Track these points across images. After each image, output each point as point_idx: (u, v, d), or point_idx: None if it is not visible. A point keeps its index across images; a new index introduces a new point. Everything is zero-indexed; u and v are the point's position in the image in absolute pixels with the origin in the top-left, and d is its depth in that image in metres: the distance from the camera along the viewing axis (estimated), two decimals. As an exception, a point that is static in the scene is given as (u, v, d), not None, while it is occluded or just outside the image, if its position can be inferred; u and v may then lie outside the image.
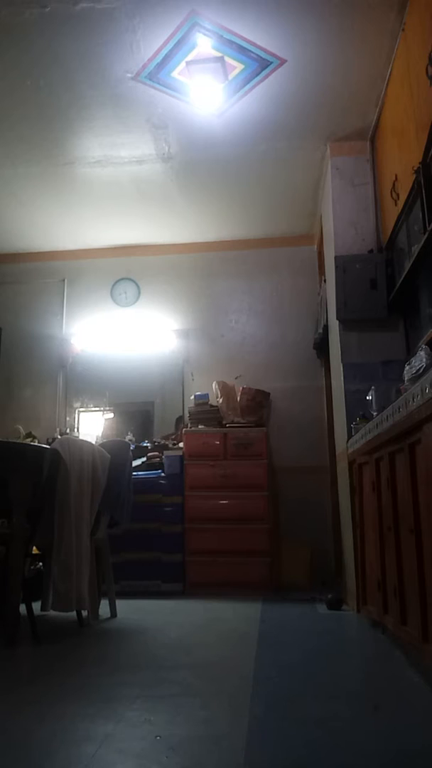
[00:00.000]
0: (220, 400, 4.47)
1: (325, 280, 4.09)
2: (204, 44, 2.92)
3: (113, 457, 3.09)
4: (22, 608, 2.52)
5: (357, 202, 3.62)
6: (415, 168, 2.58)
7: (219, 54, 2.98)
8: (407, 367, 2.23)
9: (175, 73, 3.11)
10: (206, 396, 4.49)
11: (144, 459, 4.29)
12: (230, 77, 3.13)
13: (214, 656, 2.31)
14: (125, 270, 5.11)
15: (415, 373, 2.11)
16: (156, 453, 4.33)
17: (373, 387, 2.95)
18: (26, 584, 2.64)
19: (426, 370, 2.01)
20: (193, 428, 4.31)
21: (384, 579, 2.38)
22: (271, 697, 1.74)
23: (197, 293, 5.03)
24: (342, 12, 2.75)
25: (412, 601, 1.95)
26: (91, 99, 3.32)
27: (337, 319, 3.48)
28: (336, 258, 3.50)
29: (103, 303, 5.10)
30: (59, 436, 4.29)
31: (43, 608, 3.14)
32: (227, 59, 3.01)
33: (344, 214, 3.62)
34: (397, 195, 3.02)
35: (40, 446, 2.94)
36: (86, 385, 4.97)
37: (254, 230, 4.90)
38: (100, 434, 4.69)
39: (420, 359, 2.13)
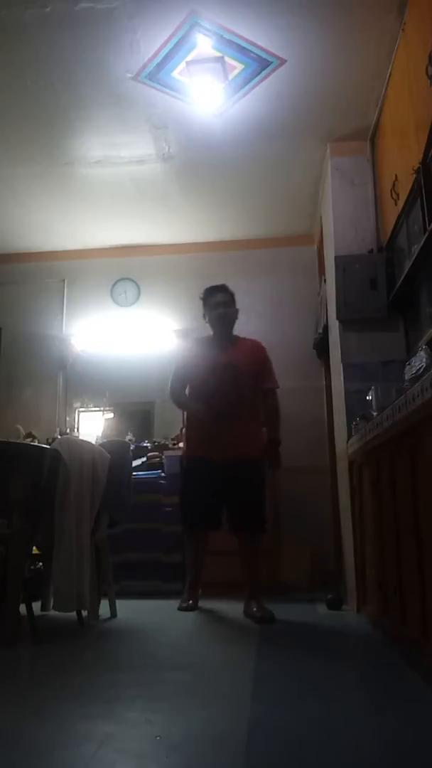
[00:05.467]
0: (220, 400, 4.46)
1: (325, 280, 4.09)
2: (204, 44, 2.92)
3: (113, 457, 3.09)
4: (22, 608, 2.52)
5: (357, 202, 3.62)
6: (415, 168, 2.58)
7: (219, 54, 2.98)
8: (407, 367, 2.23)
9: (175, 73, 3.11)
10: (206, 396, 4.48)
11: (144, 459, 4.29)
12: (230, 77, 3.13)
13: (214, 656, 2.31)
14: (125, 270, 5.10)
15: (415, 373, 2.11)
16: (156, 453, 4.33)
17: (373, 387, 2.95)
18: (26, 584, 2.64)
19: (426, 370, 2.01)
20: (193, 428, 4.30)
21: (384, 579, 2.38)
22: (270, 697, 1.74)
23: (197, 293, 5.01)
24: (342, 12, 2.76)
25: (412, 601, 1.95)
26: (91, 99, 3.32)
27: (337, 319, 3.48)
28: (336, 258, 3.50)
29: (103, 303, 5.10)
30: (59, 436, 4.29)
31: (43, 608, 3.14)
32: (227, 59, 3.01)
33: (344, 214, 3.62)
34: (397, 195, 3.02)
35: (40, 446, 2.94)
36: (86, 385, 4.96)
37: (254, 230, 4.90)
38: (100, 434, 4.68)
39: (420, 359, 2.14)
